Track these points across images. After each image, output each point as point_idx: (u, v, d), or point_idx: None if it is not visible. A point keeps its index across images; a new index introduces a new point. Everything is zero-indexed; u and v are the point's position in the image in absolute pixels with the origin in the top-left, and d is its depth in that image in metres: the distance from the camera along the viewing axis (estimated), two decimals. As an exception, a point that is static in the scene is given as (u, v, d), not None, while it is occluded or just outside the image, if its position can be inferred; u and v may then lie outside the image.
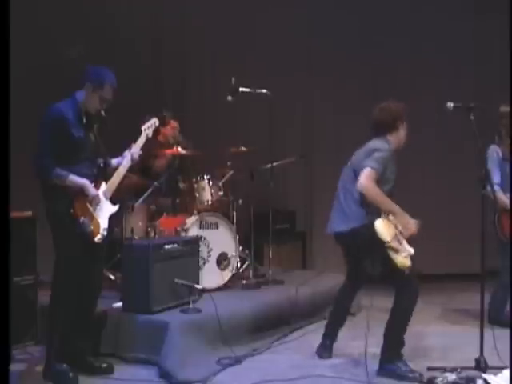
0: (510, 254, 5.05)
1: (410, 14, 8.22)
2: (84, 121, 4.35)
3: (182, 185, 6.63)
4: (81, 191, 4.27)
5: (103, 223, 4.38)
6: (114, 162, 4.58)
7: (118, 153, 4.63)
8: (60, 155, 4.21)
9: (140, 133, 4.71)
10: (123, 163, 4.55)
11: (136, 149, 4.63)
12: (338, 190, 4.98)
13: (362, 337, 5.56)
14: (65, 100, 4.35)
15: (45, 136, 4.22)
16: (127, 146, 4.67)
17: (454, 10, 8.14)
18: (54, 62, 6.66)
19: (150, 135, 4.77)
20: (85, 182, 4.28)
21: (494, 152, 5.76)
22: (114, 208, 4.51)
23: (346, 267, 5.15)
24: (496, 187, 5.66)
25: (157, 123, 4.84)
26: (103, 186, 4.44)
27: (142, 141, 4.68)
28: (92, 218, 4.32)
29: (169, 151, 6.36)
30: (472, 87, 7.95)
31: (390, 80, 8.35)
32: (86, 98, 4.36)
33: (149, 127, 4.75)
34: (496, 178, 5.70)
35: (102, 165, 4.46)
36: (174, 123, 6.70)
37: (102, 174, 4.44)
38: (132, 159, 4.58)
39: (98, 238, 4.33)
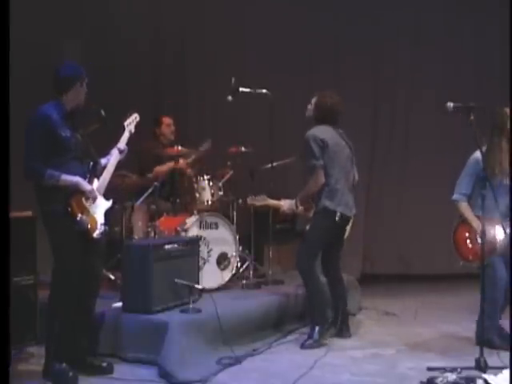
0: (510, 264, 4.96)
1: (410, 14, 8.22)
2: (70, 121, 4.36)
3: (180, 186, 6.64)
4: (75, 189, 4.27)
5: (100, 218, 4.40)
6: (103, 161, 4.60)
7: (108, 152, 4.66)
8: (48, 156, 4.22)
9: (123, 129, 4.74)
10: (111, 161, 4.58)
11: (121, 144, 4.66)
12: (342, 171, 5.34)
13: (361, 336, 5.59)
14: (49, 102, 4.35)
15: (32, 138, 4.22)
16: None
17: (453, 9, 8.14)
18: (54, 62, 6.64)
19: (133, 130, 4.79)
20: (78, 179, 4.30)
21: (474, 160, 5.09)
22: (108, 203, 4.54)
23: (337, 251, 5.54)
24: (458, 196, 5.18)
25: (137, 118, 4.86)
26: (95, 182, 4.46)
27: (125, 137, 4.71)
28: (89, 214, 4.33)
29: (170, 150, 6.37)
30: (472, 87, 7.95)
31: (391, 80, 8.37)
32: (75, 96, 4.37)
33: (130, 123, 4.79)
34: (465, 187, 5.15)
35: (91, 164, 4.47)
36: (167, 120, 6.71)
37: (92, 173, 4.45)
38: (120, 154, 4.61)
39: (96, 234, 4.35)
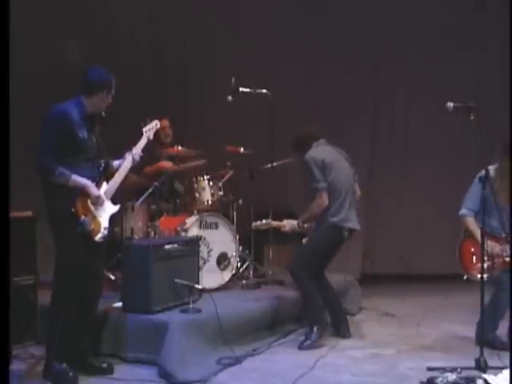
0: (510, 265, 4.97)
1: (409, 14, 8.21)
2: (87, 123, 4.36)
3: (179, 187, 6.62)
4: (83, 191, 4.27)
5: (104, 222, 4.39)
6: (116, 163, 4.59)
7: (120, 154, 4.64)
8: (62, 155, 4.22)
9: (141, 135, 4.72)
10: (124, 164, 4.56)
11: (137, 150, 4.63)
12: (345, 187, 5.35)
13: (361, 336, 5.59)
14: (69, 101, 4.35)
15: (49, 134, 4.22)
16: (127, 146, 4.67)
17: (453, 9, 8.13)
18: (54, 63, 6.66)
19: (151, 137, 4.79)
20: (87, 182, 4.29)
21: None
22: (115, 208, 4.52)
23: (329, 262, 5.53)
24: (465, 211, 5.20)
25: (158, 125, 4.86)
26: (104, 185, 4.45)
27: (142, 143, 4.69)
28: (93, 217, 4.32)
29: (170, 150, 6.37)
30: (472, 87, 7.95)
31: (391, 80, 8.37)
32: (99, 102, 4.38)
33: (150, 129, 4.78)
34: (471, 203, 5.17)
35: (102, 166, 4.47)
36: (163, 122, 6.64)
37: (102, 176, 4.45)
38: (133, 161, 4.59)
39: (98, 237, 4.34)
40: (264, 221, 5.67)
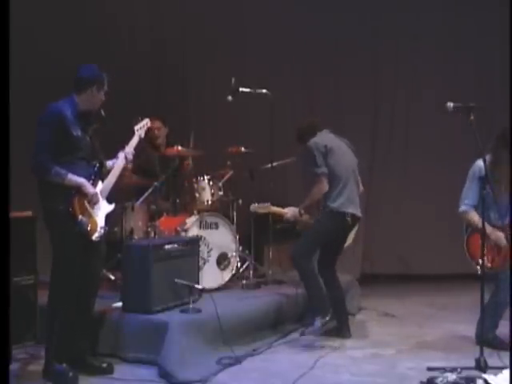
0: (510, 268, 4.98)
1: (409, 14, 8.22)
2: (81, 121, 4.37)
3: (184, 183, 6.60)
4: (79, 190, 4.28)
5: (100, 221, 4.40)
6: (110, 163, 4.60)
7: (116, 154, 4.64)
8: (58, 154, 4.23)
9: (133, 134, 4.74)
10: (117, 163, 4.59)
11: (129, 149, 4.66)
12: (346, 173, 5.34)
13: (361, 336, 5.59)
14: (62, 100, 4.36)
15: (44, 134, 4.23)
16: (122, 146, 4.69)
17: (453, 9, 8.14)
18: (54, 63, 6.66)
19: (143, 135, 4.81)
20: (83, 180, 4.30)
21: (477, 168, 5.04)
22: (110, 207, 4.54)
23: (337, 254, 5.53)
24: (465, 207, 5.11)
25: (149, 124, 4.89)
26: (100, 185, 4.46)
27: (134, 141, 4.73)
28: (90, 216, 4.33)
29: (169, 151, 6.36)
30: (472, 87, 7.95)
31: (391, 80, 8.37)
32: (90, 99, 4.39)
33: (141, 128, 4.81)
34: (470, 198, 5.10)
35: (97, 165, 4.47)
36: (155, 123, 6.60)
37: (97, 175, 4.46)
38: (126, 159, 4.61)
39: (95, 237, 4.35)
40: (264, 204, 5.66)
